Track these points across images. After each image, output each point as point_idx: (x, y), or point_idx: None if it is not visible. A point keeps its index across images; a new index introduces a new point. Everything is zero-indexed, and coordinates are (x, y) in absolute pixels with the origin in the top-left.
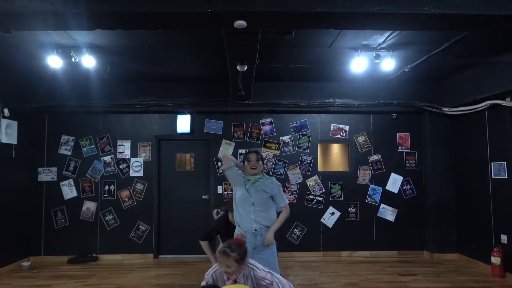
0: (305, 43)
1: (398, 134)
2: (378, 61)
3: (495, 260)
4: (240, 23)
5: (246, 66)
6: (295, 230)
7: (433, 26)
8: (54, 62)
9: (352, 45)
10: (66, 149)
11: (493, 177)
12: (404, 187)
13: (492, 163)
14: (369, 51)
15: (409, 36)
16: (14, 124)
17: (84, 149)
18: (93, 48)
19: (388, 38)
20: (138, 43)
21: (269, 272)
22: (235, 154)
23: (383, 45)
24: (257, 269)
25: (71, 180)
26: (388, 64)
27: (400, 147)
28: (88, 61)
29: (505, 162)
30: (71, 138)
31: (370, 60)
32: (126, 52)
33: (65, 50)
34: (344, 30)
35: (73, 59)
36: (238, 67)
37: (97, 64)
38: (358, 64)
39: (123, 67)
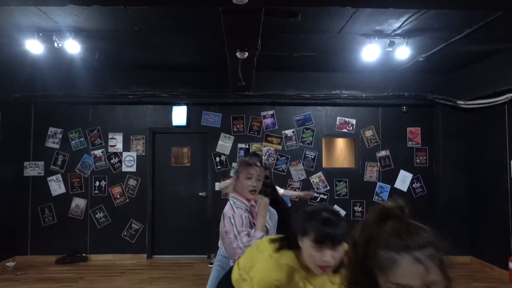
0: (312, 29)
1: (408, 129)
2: (391, 49)
3: None
4: None
5: (247, 53)
6: None
7: (461, 4)
8: (35, 47)
9: (364, 31)
10: (53, 142)
11: (511, 175)
12: (413, 185)
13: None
14: (382, 37)
15: (428, 21)
16: None
17: (73, 142)
18: (78, 32)
19: (405, 23)
20: (127, 27)
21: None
22: (234, 148)
23: (399, 31)
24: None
25: (59, 175)
26: (403, 52)
27: (410, 143)
28: (73, 47)
29: None
30: (59, 130)
31: (382, 48)
32: (115, 37)
33: (46, 34)
34: (356, 14)
35: (56, 44)
36: (237, 53)
37: (84, 50)
38: (369, 53)
39: (113, 54)
